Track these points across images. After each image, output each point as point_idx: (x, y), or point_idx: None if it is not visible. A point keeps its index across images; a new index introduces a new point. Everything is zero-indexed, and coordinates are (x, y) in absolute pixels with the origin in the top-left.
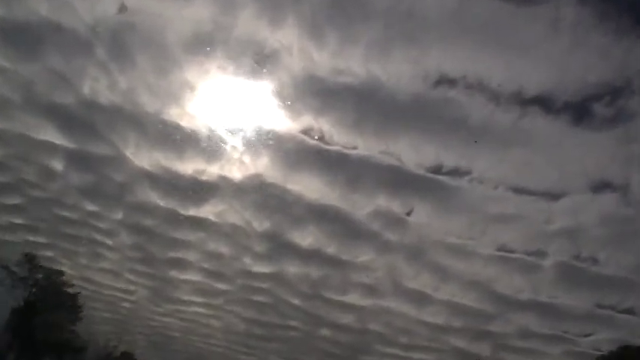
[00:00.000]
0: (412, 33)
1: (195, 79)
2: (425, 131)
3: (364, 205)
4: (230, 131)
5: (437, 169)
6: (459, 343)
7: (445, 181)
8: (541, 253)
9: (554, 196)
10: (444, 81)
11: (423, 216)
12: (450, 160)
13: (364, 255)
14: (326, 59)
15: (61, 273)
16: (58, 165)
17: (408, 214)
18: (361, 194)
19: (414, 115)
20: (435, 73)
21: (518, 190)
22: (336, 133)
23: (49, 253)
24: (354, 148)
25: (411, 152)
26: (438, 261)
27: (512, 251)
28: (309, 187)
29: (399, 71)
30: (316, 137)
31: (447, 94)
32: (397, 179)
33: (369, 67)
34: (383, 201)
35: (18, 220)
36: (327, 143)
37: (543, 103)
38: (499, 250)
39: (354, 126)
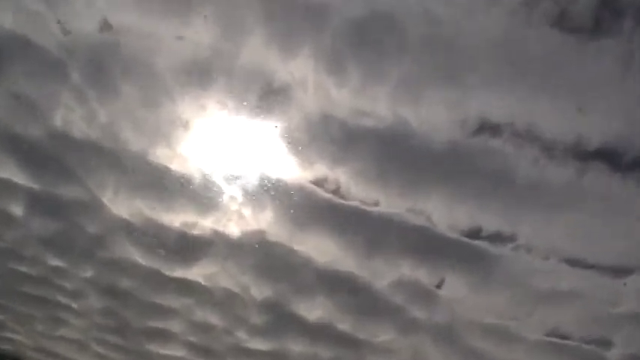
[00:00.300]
0: (450, 70)
1: (189, 114)
2: (461, 187)
3: (385, 274)
4: (228, 178)
5: (474, 234)
6: None
7: (484, 248)
8: (604, 342)
9: (620, 271)
10: (487, 128)
11: (456, 289)
12: (490, 223)
13: (384, 334)
14: (346, 98)
15: None
16: (16, 209)
17: (438, 286)
18: (382, 260)
19: (448, 167)
20: (475, 119)
21: (575, 263)
22: (355, 186)
23: None
24: (376, 204)
25: (444, 212)
26: (473, 345)
27: (566, 337)
28: (320, 248)
29: (433, 115)
30: (331, 190)
31: (489, 144)
32: (426, 244)
33: (398, 109)
34: (408, 269)
35: None
36: (344, 197)
37: (608, 157)
38: (549, 334)
39: (377, 178)
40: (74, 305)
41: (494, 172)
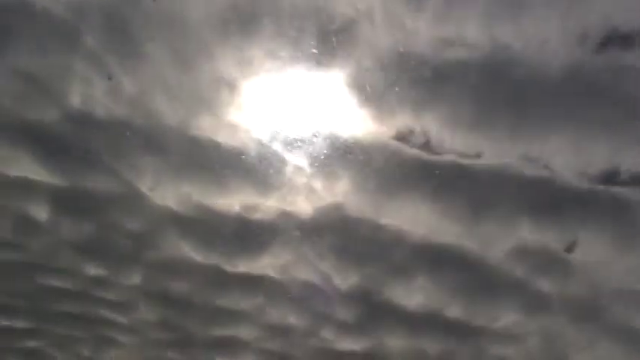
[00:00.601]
0: None
1: (235, 72)
2: (587, 121)
3: (499, 241)
4: (291, 145)
5: (610, 179)
6: None
7: (625, 196)
8: None
9: None
10: (615, 40)
11: (592, 252)
12: (630, 163)
13: (506, 317)
14: (426, 26)
15: None
16: (39, 212)
17: (569, 249)
18: (494, 224)
19: (569, 97)
20: (599, 30)
21: None
22: (449, 136)
23: (32, 344)
24: (478, 155)
25: (568, 155)
26: (623, 320)
27: None
28: (414, 219)
29: (541, 33)
30: (419, 144)
31: (619, 60)
32: (548, 198)
33: (494, 30)
34: (528, 233)
35: None
36: (436, 152)
37: None
38: None
39: (476, 122)
40: (123, 320)
41: (630, 96)
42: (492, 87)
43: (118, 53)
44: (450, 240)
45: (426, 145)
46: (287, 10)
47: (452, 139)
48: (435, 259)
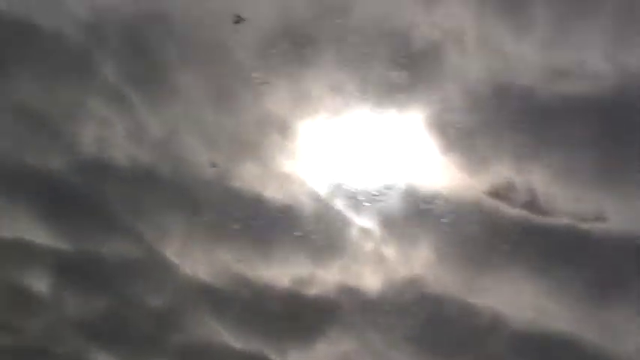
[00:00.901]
0: None
1: (286, 111)
2: None
3: (632, 331)
4: (356, 202)
5: None
6: None
7: None
8: None
9: None
10: None
11: None
12: None
13: None
14: (533, 51)
15: None
16: (39, 283)
17: None
18: (623, 309)
19: None
20: None
21: None
22: (561, 192)
23: None
24: (600, 218)
25: None
26: None
27: None
28: (516, 300)
29: None
30: (521, 203)
31: None
32: None
33: (622, 57)
34: None
35: None
36: (545, 212)
37: None
38: None
39: (596, 175)
40: None
41: None
42: (619, 129)
43: (143, 85)
44: (563, 328)
45: (531, 204)
46: (354, 34)
47: (565, 196)
48: (544, 354)
